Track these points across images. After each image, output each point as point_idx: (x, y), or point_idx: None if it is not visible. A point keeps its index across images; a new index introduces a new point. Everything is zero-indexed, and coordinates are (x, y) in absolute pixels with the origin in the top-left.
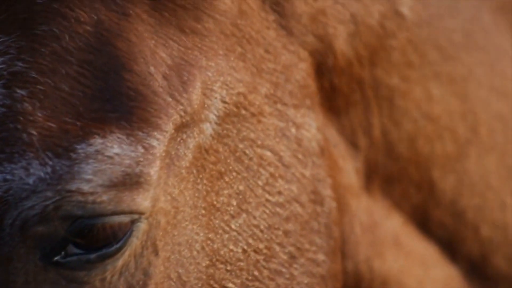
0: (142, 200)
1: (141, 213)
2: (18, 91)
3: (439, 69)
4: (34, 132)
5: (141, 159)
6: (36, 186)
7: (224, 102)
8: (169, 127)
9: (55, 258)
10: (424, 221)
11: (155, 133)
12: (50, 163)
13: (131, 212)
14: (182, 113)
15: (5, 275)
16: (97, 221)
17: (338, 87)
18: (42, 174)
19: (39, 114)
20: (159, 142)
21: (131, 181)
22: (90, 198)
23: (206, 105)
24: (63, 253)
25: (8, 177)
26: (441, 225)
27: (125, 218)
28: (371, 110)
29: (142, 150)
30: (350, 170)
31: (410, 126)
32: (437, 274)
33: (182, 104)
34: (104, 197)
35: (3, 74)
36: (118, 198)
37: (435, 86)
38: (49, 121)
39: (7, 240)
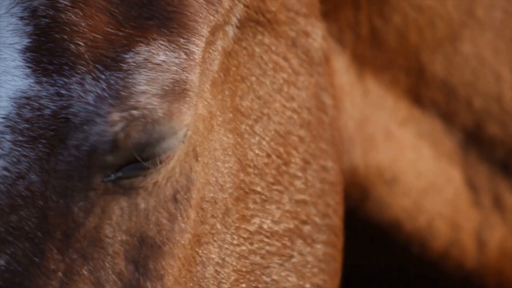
0: (187, 110)
1: (188, 125)
2: (61, 1)
3: None
4: (81, 43)
5: (185, 65)
6: (99, 108)
7: (246, 6)
8: (205, 31)
9: (113, 175)
10: (417, 100)
11: (194, 39)
12: (103, 76)
13: (183, 127)
14: (215, 14)
15: (63, 189)
16: (158, 150)
17: None
18: (99, 91)
19: (83, 24)
20: (198, 48)
21: (179, 88)
22: (149, 116)
23: (231, 8)
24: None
25: (63, 91)
26: (433, 102)
27: (178, 140)
28: (360, 10)
29: (185, 56)
30: (341, 69)
31: (400, 20)
32: (430, 152)
33: (213, 4)
34: (160, 113)
35: None
36: (170, 111)
37: None
38: (93, 31)
39: (70, 160)
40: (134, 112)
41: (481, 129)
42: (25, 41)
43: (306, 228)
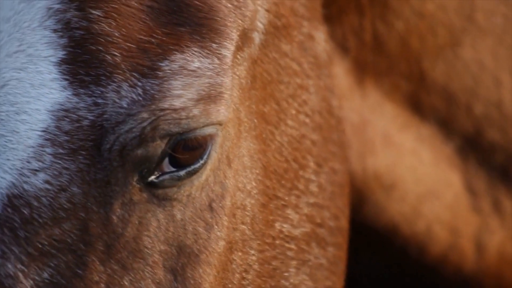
0: (224, 111)
1: (221, 124)
2: (93, 12)
3: None
4: (117, 53)
5: (219, 69)
6: (131, 109)
7: (267, 10)
8: (235, 35)
9: (150, 179)
10: (417, 107)
11: (225, 43)
12: (139, 83)
13: (217, 123)
14: (242, 18)
15: (102, 197)
16: (190, 135)
17: None
18: (134, 96)
19: (117, 34)
20: (229, 52)
21: (215, 92)
22: (183, 113)
23: (256, 11)
24: (156, 173)
25: (99, 101)
26: (433, 109)
27: (213, 129)
28: (364, 15)
29: (218, 62)
30: (341, 73)
31: (402, 26)
32: (429, 157)
33: (240, 8)
34: (195, 111)
35: None
36: (206, 111)
37: None
38: (127, 41)
39: (105, 165)
40: (165, 110)
41: (480, 134)
42: (60, 54)
43: (321, 231)
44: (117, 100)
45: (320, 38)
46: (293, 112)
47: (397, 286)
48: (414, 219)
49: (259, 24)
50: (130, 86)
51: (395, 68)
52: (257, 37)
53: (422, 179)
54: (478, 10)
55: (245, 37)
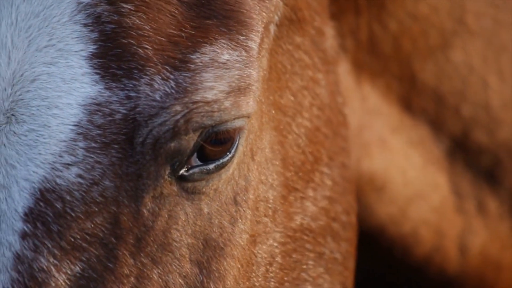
0: (253, 103)
1: (249, 117)
2: (124, 5)
3: None
4: (149, 46)
5: (247, 62)
6: (164, 102)
7: (285, 4)
8: (260, 27)
9: (181, 172)
10: (408, 108)
11: (252, 35)
12: (172, 76)
13: (247, 116)
14: (266, 11)
15: (134, 191)
16: (222, 127)
17: None
18: (167, 89)
19: (148, 28)
20: (255, 44)
21: (244, 84)
22: (215, 106)
23: (277, 5)
24: (186, 166)
25: (132, 94)
26: (423, 110)
27: (242, 122)
28: (361, 15)
29: (245, 54)
30: (343, 73)
31: (396, 27)
32: (419, 160)
33: (264, 1)
34: (226, 103)
35: None
36: (237, 103)
37: None
38: (158, 34)
39: (138, 158)
40: (198, 103)
41: (468, 136)
42: (91, 48)
43: (335, 226)
44: (150, 93)
45: (329, 34)
46: (307, 104)
47: (381, 286)
48: (401, 221)
49: (275, 17)
50: (163, 79)
51: (388, 69)
52: (272, 29)
53: (411, 181)
54: (469, 12)
55: (267, 29)
